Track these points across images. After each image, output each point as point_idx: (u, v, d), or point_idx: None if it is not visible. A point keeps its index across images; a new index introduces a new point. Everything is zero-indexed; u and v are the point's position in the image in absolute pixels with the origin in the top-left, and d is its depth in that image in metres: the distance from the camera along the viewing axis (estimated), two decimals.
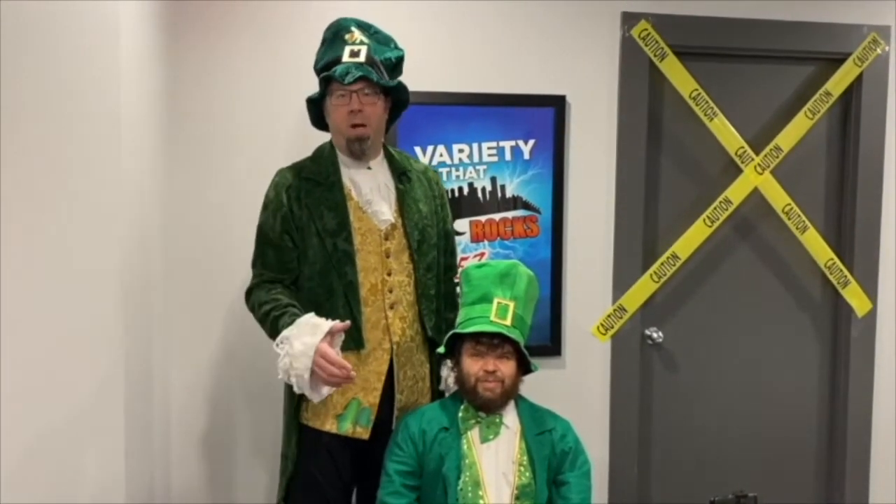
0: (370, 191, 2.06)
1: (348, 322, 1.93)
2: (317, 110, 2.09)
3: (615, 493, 2.78)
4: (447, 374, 2.14)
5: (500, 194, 2.66)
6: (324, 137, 2.16)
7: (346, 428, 2.00)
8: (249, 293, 2.06)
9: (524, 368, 2.02)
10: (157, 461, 2.34)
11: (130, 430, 1.97)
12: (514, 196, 2.66)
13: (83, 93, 1.81)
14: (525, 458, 1.94)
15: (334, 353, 1.85)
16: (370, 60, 2.00)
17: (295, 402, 2.04)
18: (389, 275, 2.05)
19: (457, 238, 2.60)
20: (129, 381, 1.96)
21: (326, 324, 1.86)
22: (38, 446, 1.83)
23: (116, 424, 1.90)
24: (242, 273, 2.19)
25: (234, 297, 2.44)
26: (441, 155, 2.60)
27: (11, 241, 1.78)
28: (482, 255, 2.65)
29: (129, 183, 1.97)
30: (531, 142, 2.65)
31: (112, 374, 1.89)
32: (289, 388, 2.05)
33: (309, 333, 1.85)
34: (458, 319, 2.05)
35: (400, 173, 2.12)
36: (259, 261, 2.06)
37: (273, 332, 1.94)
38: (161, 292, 2.38)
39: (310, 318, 1.89)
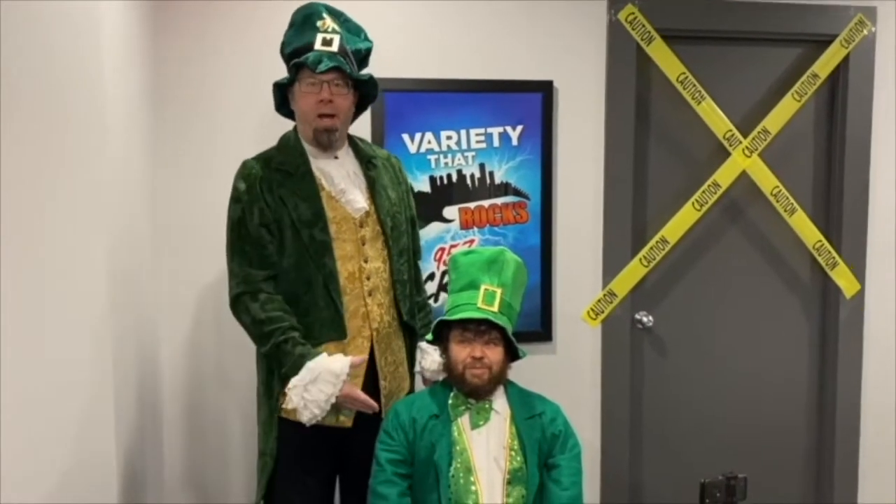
0: (342, 180, 2.05)
1: (364, 356, 1.99)
2: (281, 95, 2.07)
3: (607, 476, 2.80)
4: (420, 357, 2.17)
5: (488, 181, 2.66)
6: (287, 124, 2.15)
7: (331, 419, 1.99)
8: (236, 302, 1.99)
9: (512, 355, 2.03)
10: (147, 453, 2.35)
11: (120, 421, 1.98)
12: (503, 182, 2.66)
13: (67, 80, 1.80)
14: (516, 442, 1.95)
15: (359, 392, 1.95)
16: (343, 51, 1.99)
17: (273, 397, 2.02)
18: (366, 262, 2.05)
19: (447, 226, 2.63)
20: (118, 371, 1.96)
21: (344, 370, 1.90)
22: (30, 436, 1.84)
23: (107, 417, 1.90)
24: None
25: (222, 283, 2.44)
26: (429, 142, 2.60)
27: None
28: (472, 241, 2.65)
29: (114, 169, 1.97)
30: (519, 128, 2.64)
31: (100, 363, 1.89)
32: (265, 385, 2.05)
33: (329, 383, 1.88)
34: (446, 307, 2.05)
35: (366, 161, 2.12)
36: (237, 257, 1.99)
37: (275, 357, 1.95)
38: (149, 280, 2.38)
39: (326, 365, 1.89)
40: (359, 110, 2.15)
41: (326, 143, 2.03)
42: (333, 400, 1.89)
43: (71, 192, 1.83)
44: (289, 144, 2.07)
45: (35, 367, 1.83)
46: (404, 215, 2.16)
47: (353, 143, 2.15)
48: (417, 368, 2.18)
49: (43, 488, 1.84)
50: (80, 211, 1.84)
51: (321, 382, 1.87)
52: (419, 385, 2.21)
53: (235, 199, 2.01)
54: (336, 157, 2.08)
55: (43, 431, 1.85)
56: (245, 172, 2.02)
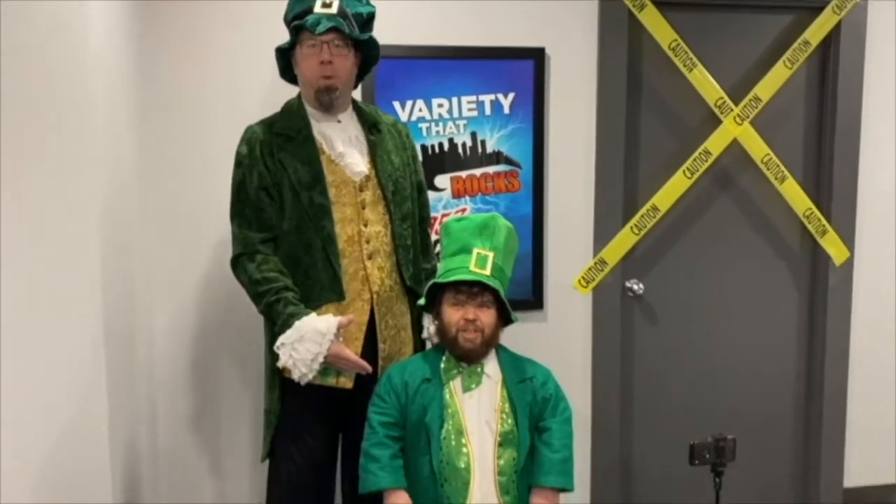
0: (342, 143, 2.06)
1: (352, 316, 1.98)
2: (284, 61, 2.08)
3: (598, 442, 2.83)
4: (428, 324, 2.17)
5: (480, 149, 2.65)
6: (292, 90, 2.14)
7: (330, 380, 2.03)
8: (236, 263, 2.05)
9: (504, 319, 2.04)
10: (141, 411, 2.36)
11: (112, 380, 1.99)
12: (494, 151, 2.66)
13: (51, 49, 1.79)
14: (507, 405, 1.97)
15: (349, 353, 1.96)
16: (342, 13, 1.99)
17: (276, 357, 2.03)
18: (366, 226, 2.06)
19: (438, 194, 2.62)
20: (109, 332, 1.96)
21: (331, 330, 1.91)
22: (23, 401, 1.85)
23: (98, 379, 1.91)
24: (222, 218, 2.15)
25: (215, 247, 2.46)
26: (420, 110, 2.59)
27: None
28: (463, 210, 2.65)
29: (103, 130, 1.96)
30: (511, 95, 2.64)
31: (92, 323, 1.89)
32: (269, 344, 2.06)
33: (315, 342, 1.90)
34: (439, 271, 2.06)
35: (370, 125, 2.13)
36: (237, 219, 2.04)
37: (268, 317, 2.00)
38: (139, 240, 2.38)
39: (313, 324, 1.91)
40: (362, 73, 2.15)
41: (328, 102, 2.03)
42: (321, 359, 1.91)
43: (59, 149, 1.83)
44: (291, 109, 2.09)
45: (27, 336, 1.83)
46: (409, 181, 2.16)
47: (358, 107, 2.15)
48: (425, 335, 2.19)
49: (35, 452, 1.86)
50: (69, 181, 1.84)
51: (307, 341, 1.90)
52: None
53: (237, 163, 2.05)
54: (339, 121, 2.09)
55: (35, 398, 1.85)
56: (247, 137, 2.06)
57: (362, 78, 2.19)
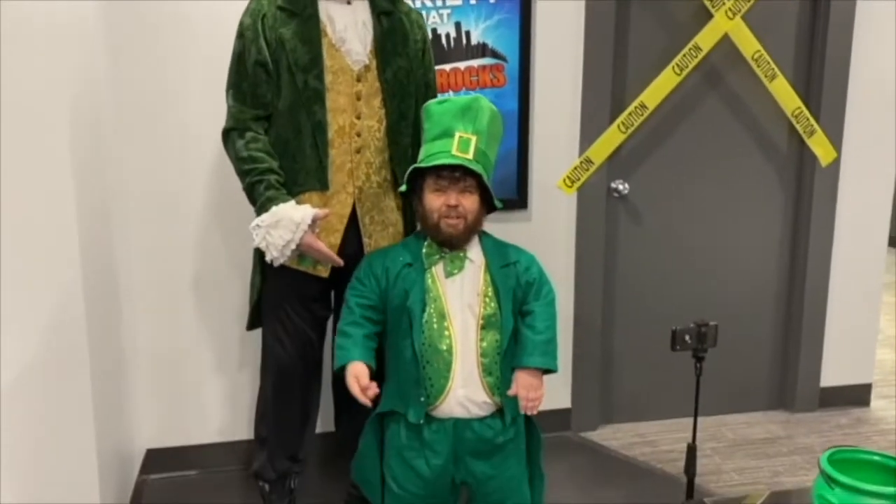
0: (345, 28, 1.98)
1: (328, 210, 1.95)
2: None
3: (580, 343, 2.84)
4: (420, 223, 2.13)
5: (465, 41, 2.56)
6: None
7: (307, 265, 2.03)
8: (226, 136, 2.01)
9: (488, 206, 2.00)
10: (124, 316, 2.33)
11: (87, 255, 1.95)
12: (479, 43, 2.57)
13: None
14: (490, 289, 1.94)
15: (321, 244, 1.93)
16: None
17: None
18: (358, 118, 2.00)
19: None
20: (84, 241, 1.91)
21: (305, 221, 1.88)
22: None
23: (72, 251, 1.88)
24: (206, 90, 2.12)
25: (199, 116, 2.40)
26: None
27: None
28: None
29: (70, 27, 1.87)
30: None
31: (63, 202, 1.86)
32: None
33: (289, 230, 1.87)
34: (420, 156, 2.00)
35: (381, 12, 2.03)
36: (233, 92, 1.99)
37: (249, 196, 1.97)
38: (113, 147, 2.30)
39: (289, 212, 1.88)
40: None
41: None
42: (294, 246, 1.90)
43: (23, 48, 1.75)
44: None
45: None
46: (414, 76, 2.08)
47: None
48: None
49: (13, 313, 1.84)
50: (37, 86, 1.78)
51: (281, 228, 1.88)
52: None
53: (239, 33, 1.98)
54: (348, 3, 2.00)
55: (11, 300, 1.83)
56: (251, 6, 1.99)
57: None
